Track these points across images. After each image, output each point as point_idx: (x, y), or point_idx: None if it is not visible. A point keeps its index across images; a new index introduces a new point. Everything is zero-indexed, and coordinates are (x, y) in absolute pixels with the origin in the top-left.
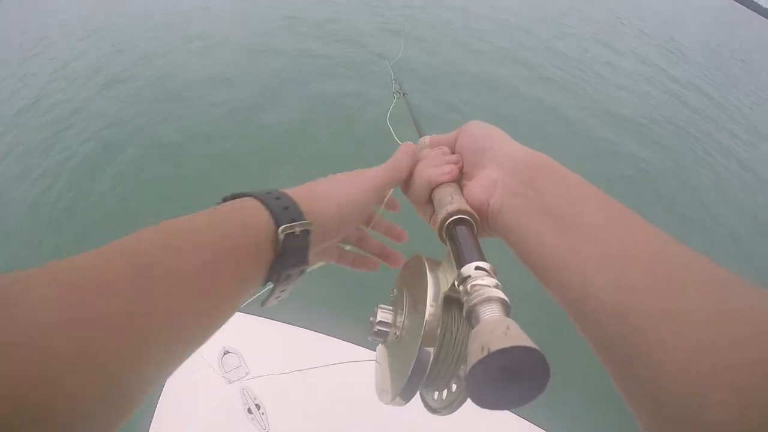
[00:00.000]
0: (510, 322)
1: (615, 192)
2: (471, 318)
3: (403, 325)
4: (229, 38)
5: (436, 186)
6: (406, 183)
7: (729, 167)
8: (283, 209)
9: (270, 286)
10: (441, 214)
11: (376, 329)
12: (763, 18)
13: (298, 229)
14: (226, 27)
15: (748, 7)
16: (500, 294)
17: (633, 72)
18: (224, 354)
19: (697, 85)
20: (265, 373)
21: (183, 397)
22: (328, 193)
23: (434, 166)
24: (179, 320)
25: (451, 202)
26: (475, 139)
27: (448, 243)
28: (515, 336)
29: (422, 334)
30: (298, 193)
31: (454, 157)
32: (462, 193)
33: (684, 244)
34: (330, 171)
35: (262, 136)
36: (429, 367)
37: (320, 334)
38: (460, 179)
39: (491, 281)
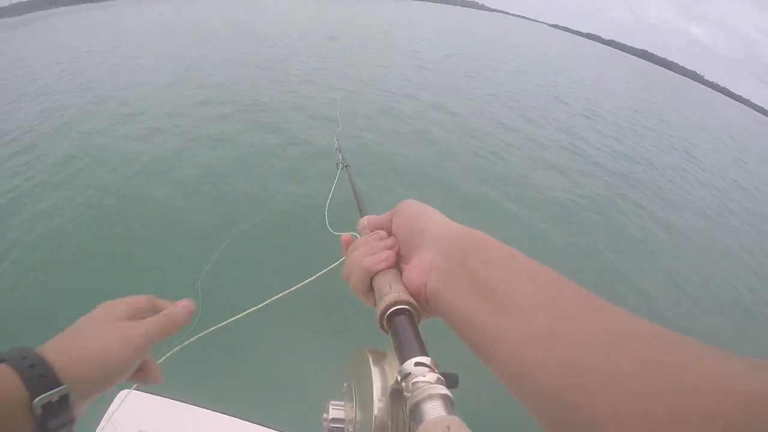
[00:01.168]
0: (452, 420)
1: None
2: (414, 416)
3: (355, 419)
4: None
5: (375, 274)
6: (347, 271)
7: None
8: (38, 377)
9: None
10: (380, 306)
11: (330, 427)
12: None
13: (55, 397)
14: None
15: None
16: (442, 390)
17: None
18: None
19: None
20: None
21: None
22: (92, 353)
23: (371, 254)
24: None
25: (389, 291)
26: (408, 220)
27: (390, 334)
28: None
29: (372, 430)
30: (58, 351)
31: (390, 241)
32: (401, 278)
33: (616, 307)
34: None
35: None
36: None
37: (239, 420)
38: (398, 262)
39: (432, 377)
